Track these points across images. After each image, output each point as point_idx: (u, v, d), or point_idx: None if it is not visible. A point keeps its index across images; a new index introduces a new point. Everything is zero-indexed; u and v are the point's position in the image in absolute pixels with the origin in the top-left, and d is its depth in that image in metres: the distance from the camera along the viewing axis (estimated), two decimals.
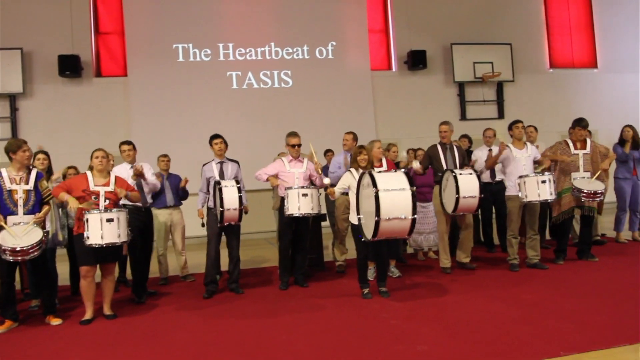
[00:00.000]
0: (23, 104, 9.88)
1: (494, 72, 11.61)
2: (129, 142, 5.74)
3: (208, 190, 5.73)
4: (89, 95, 10.15)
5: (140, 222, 5.45)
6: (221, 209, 5.23)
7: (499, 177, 6.82)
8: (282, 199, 5.62)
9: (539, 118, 10.31)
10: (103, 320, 4.78)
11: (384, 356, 3.55)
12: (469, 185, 5.52)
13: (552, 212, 6.34)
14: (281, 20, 10.96)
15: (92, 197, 4.76)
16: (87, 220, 4.57)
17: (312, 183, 5.77)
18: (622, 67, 12.67)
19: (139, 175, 5.34)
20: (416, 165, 6.18)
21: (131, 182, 5.30)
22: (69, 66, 9.81)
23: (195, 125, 10.10)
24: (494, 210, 7.16)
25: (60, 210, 5.49)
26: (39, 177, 4.82)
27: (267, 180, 5.75)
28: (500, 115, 11.88)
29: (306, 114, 10.68)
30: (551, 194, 5.70)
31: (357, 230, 4.93)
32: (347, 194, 5.41)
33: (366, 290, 5.13)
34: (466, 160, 6.24)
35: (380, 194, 4.43)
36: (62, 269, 5.76)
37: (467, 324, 4.09)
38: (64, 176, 5.88)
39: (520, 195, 5.79)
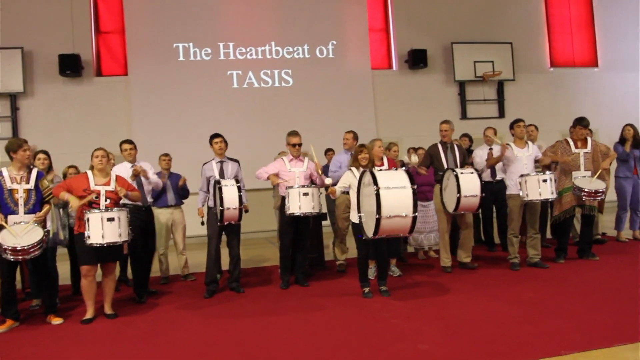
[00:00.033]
0: (24, 103, 9.88)
1: (494, 71, 11.61)
2: (130, 141, 5.74)
3: (208, 189, 5.73)
4: (89, 94, 10.16)
5: (141, 222, 5.45)
6: (221, 208, 5.23)
7: (499, 176, 6.82)
8: (283, 198, 5.62)
9: (539, 117, 10.30)
10: (104, 320, 4.79)
11: (384, 355, 3.55)
12: (470, 184, 5.52)
13: (553, 211, 6.33)
14: (282, 19, 10.96)
15: (93, 196, 4.75)
16: (88, 219, 4.57)
17: (312, 182, 5.76)
18: (623, 66, 12.66)
19: (137, 175, 5.34)
20: (414, 159, 6.16)
21: (131, 181, 5.30)
22: (70, 65, 9.82)
23: (195, 124, 10.11)
24: (494, 209, 7.15)
25: (61, 210, 5.49)
26: (39, 176, 4.82)
27: (268, 178, 5.75)
28: (501, 114, 11.89)
29: (307, 113, 10.69)
30: (552, 193, 5.70)
31: (358, 229, 4.93)
32: (348, 193, 5.42)
33: (367, 289, 5.13)
34: (467, 159, 6.24)
35: (381, 191, 4.43)
36: (63, 268, 5.77)
37: (468, 323, 4.09)
38: (64, 175, 5.89)
39: (521, 194, 5.79)
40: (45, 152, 5.60)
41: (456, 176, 5.53)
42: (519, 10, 12.18)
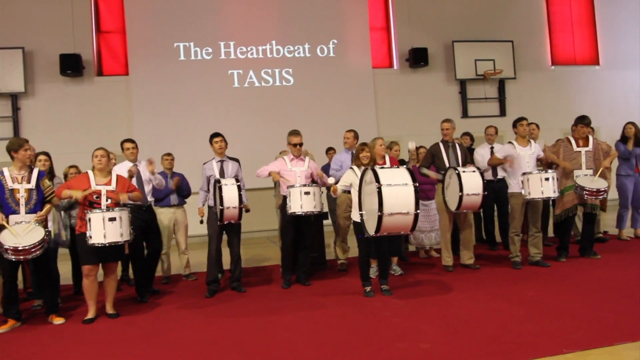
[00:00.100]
0: (25, 103, 9.89)
1: (495, 69, 11.59)
2: (131, 140, 5.75)
3: (208, 188, 5.73)
4: (90, 94, 10.15)
5: (142, 222, 5.45)
6: (221, 208, 5.23)
7: (500, 175, 6.81)
8: (285, 198, 5.62)
9: (540, 115, 10.27)
10: (105, 319, 4.79)
11: (386, 354, 3.54)
12: (472, 182, 5.52)
13: (555, 210, 6.32)
14: (282, 18, 10.96)
15: (94, 196, 4.76)
16: (89, 219, 4.58)
17: (313, 181, 5.76)
18: (624, 64, 12.63)
19: (132, 177, 5.31)
20: (411, 146, 6.14)
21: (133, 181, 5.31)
22: (71, 65, 9.81)
23: (196, 123, 10.11)
24: (495, 208, 7.14)
25: (62, 212, 5.50)
26: (40, 175, 4.82)
27: (269, 174, 5.74)
28: (502, 112, 11.87)
29: (307, 112, 10.69)
30: (554, 191, 5.69)
31: (359, 228, 4.92)
32: (349, 192, 5.42)
33: (368, 288, 5.13)
34: (469, 158, 6.23)
35: (383, 188, 4.43)
36: (65, 268, 5.77)
37: (470, 322, 4.08)
38: (65, 175, 5.89)
39: (523, 192, 5.78)
40: (46, 154, 5.59)
41: (458, 175, 5.53)
42: (520, 9, 12.16)
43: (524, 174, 5.79)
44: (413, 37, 11.50)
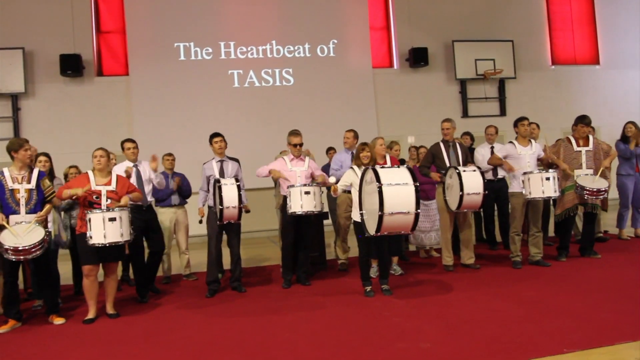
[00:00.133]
0: (25, 103, 9.89)
1: (495, 69, 11.58)
2: (132, 140, 5.75)
3: (208, 188, 5.73)
4: (90, 94, 10.16)
5: (142, 222, 5.46)
6: (220, 207, 5.23)
7: (501, 175, 6.81)
8: (285, 198, 5.62)
9: (541, 115, 10.28)
10: (106, 319, 4.80)
11: (386, 354, 3.54)
12: (473, 182, 5.53)
13: (555, 210, 6.32)
14: (282, 18, 10.96)
15: (94, 196, 4.76)
16: (89, 220, 4.58)
17: (313, 181, 5.77)
18: (624, 63, 12.62)
19: (129, 177, 5.30)
20: (411, 139, 6.13)
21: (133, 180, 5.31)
22: (71, 65, 9.82)
23: (196, 123, 10.12)
24: (495, 208, 7.14)
25: (62, 213, 5.50)
26: (41, 176, 4.82)
27: (270, 172, 5.73)
28: (502, 112, 11.86)
29: (308, 112, 10.69)
30: (555, 191, 5.69)
31: (360, 227, 4.92)
32: (349, 192, 5.42)
33: (368, 288, 5.12)
34: (469, 157, 6.23)
35: (383, 188, 4.43)
36: (65, 268, 5.78)
37: (470, 322, 4.08)
38: (66, 175, 5.90)
39: (524, 192, 5.78)
40: (47, 155, 5.58)
41: (459, 174, 5.54)
42: (520, 8, 12.15)
43: (524, 173, 5.79)
44: (413, 37, 11.50)
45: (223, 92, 10.59)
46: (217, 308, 5.02)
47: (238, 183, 5.38)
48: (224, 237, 5.69)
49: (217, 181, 5.39)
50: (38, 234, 4.54)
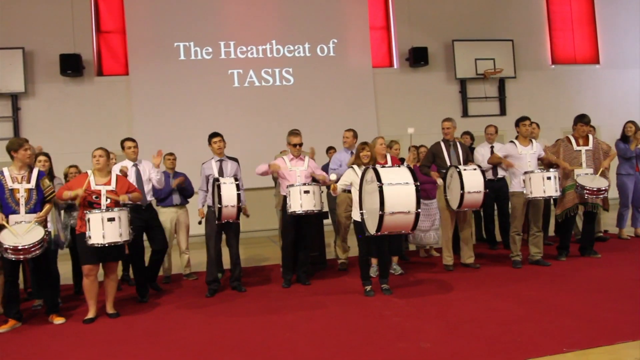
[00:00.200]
0: (25, 103, 9.89)
1: (495, 68, 11.58)
2: (132, 139, 5.75)
3: (208, 188, 5.73)
4: (90, 94, 10.16)
5: (142, 221, 5.46)
6: (219, 206, 5.22)
7: (501, 174, 6.81)
8: (285, 197, 5.62)
9: (540, 114, 10.26)
10: (106, 319, 4.79)
11: (386, 354, 3.54)
12: (473, 180, 5.53)
13: (556, 209, 6.32)
14: (282, 18, 10.96)
15: (94, 196, 4.76)
16: (88, 220, 4.58)
17: (313, 180, 5.76)
18: (624, 63, 12.62)
19: (125, 176, 5.31)
20: (411, 130, 6.11)
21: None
22: (71, 65, 9.82)
23: (196, 123, 10.12)
24: (495, 207, 7.14)
25: (62, 212, 5.50)
26: (40, 175, 4.82)
27: (269, 167, 5.69)
28: (502, 111, 11.87)
29: (308, 111, 10.69)
30: (556, 190, 5.69)
31: (360, 227, 4.92)
32: (349, 191, 5.41)
33: (368, 288, 5.12)
34: (470, 156, 6.23)
35: (384, 187, 4.43)
36: (65, 268, 5.77)
37: (470, 321, 4.08)
38: (66, 175, 5.90)
39: (525, 191, 5.78)
40: (46, 154, 5.57)
41: (459, 173, 5.54)
42: (520, 8, 12.15)
43: (525, 173, 5.79)
44: (413, 37, 11.50)
45: (223, 91, 10.59)
46: (217, 308, 5.02)
47: (237, 182, 5.38)
48: (223, 236, 5.68)
49: (216, 180, 5.39)
50: (38, 233, 4.54)
